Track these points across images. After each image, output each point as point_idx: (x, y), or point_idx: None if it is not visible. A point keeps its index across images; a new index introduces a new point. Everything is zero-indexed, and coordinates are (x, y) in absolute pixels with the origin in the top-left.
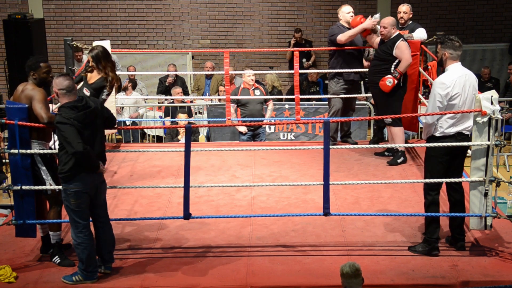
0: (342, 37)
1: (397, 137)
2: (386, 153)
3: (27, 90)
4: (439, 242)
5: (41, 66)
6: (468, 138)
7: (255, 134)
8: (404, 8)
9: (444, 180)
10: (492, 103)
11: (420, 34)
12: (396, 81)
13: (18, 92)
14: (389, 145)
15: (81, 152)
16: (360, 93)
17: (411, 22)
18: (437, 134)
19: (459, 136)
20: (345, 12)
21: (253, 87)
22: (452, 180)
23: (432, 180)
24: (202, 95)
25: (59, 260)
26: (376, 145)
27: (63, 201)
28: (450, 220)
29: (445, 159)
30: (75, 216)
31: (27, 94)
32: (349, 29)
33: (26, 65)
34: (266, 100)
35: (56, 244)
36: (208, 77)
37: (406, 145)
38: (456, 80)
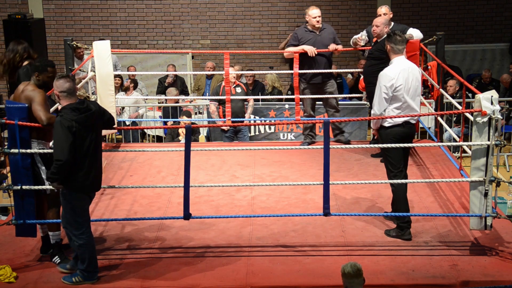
0: (286, 51)
1: None
2: None
3: (27, 90)
4: (410, 226)
5: (48, 70)
6: (414, 126)
7: (236, 130)
8: (383, 10)
9: (444, 180)
10: (492, 103)
11: (417, 32)
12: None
13: (19, 92)
14: (388, 145)
15: (63, 163)
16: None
17: (393, 23)
18: (386, 124)
19: (406, 124)
20: (311, 16)
21: (234, 85)
22: (455, 180)
23: (423, 181)
24: (202, 95)
25: (59, 260)
26: (375, 145)
27: (63, 204)
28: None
29: (396, 147)
30: (77, 217)
31: (27, 95)
32: (312, 32)
33: (33, 65)
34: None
35: (56, 244)
36: (209, 77)
37: (406, 145)
38: (399, 73)
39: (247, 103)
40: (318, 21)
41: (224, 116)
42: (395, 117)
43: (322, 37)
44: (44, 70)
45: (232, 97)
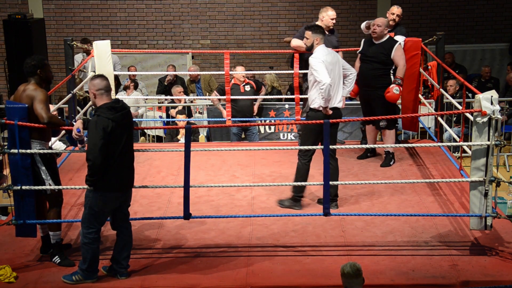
0: (293, 42)
1: (390, 138)
2: (368, 154)
3: (28, 90)
4: (302, 199)
5: (46, 64)
6: (340, 110)
7: (244, 128)
8: (397, 10)
9: (444, 180)
10: (492, 103)
11: (401, 38)
12: (401, 88)
13: (20, 92)
14: (387, 145)
15: (93, 163)
16: None
17: (399, 26)
18: (315, 106)
19: (334, 109)
20: (330, 17)
21: (244, 83)
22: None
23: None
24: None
25: (59, 260)
26: (375, 145)
27: (86, 201)
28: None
29: (318, 130)
30: (93, 218)
31: (28, 94)
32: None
33: (29, 64)
34: (258, 91)
35: (56, 244)
36: (195, 81)
37: (406, 144)
38: (326, 55)
39: (255, 102)
40: (334, 23)
41: (230, 114)
42: (396, 117)
43: (331, 38)
44: (44, 64)
45: (238, 97)
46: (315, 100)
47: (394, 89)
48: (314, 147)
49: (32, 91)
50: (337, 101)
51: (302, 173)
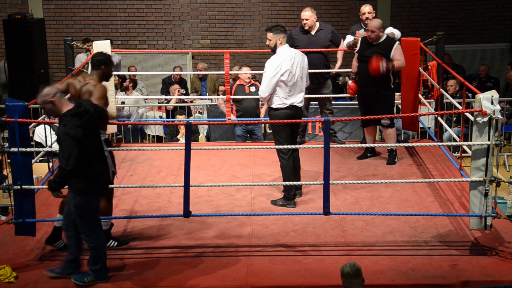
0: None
1: (392, 137)
2: (368, 154)
3: (89, 84)
4: (295, 197)
5: (111, 62)
6: (300, 109)
7: (249, 130)
8: (367, 9)
9: (444, 180)
10: (492, 103)
11: (395, 30)
12: (385, 72)
13: (81, 83)
14: (387, 145)
15: (68, 172)
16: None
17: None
18: (273, 106)
19: (293, 108)
20: (301, 17)
21: (249, 84)
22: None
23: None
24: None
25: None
26: (376, 145)
27: (77, 209)
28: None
29: (287, 127)
30: (93, 219)
31: (88, 88)
32: (307, 33)
33: (97, 58)
34: None
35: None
36: (203, 78)
37: (406, 144)
38: (283, 60)
39: (262, 102)
40: (305, 24)
41: (236, 115)
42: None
43: (318, 38)
44: (109, 62)
45: (244, 97)
46: (272, 100)
47: (381, 64)
48: (289, 146)
49: (91, 86)
50: (298, 101)
51: (286, 171)
